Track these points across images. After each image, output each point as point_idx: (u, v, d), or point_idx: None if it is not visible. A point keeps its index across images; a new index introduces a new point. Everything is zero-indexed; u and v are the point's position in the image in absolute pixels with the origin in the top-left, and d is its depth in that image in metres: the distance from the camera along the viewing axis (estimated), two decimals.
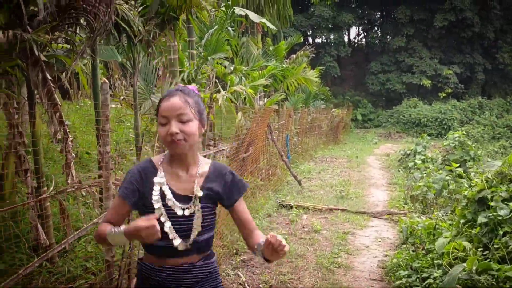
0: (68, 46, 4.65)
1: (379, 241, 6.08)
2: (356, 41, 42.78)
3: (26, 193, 4.35)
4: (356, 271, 5.04)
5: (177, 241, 1.94)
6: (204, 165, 2.06)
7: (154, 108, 8.48)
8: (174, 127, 1.87)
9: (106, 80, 3.01)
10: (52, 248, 4.47)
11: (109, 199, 3.15)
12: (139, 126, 6.67)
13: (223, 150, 6.61)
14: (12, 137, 4.44)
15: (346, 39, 39.57)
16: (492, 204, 4.17)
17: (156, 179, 1.95)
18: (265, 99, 14.77)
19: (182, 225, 1.96)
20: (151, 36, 6.31)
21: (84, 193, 4.19)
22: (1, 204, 4.58)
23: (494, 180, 4.53)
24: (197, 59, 9.82)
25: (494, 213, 4.08)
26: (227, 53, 10.74)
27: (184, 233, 1.96)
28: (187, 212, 1.96)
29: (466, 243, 4.11)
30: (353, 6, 38.40)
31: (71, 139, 3.82)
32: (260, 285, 4.59)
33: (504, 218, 4.02)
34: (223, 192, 2.05)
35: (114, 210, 2.01)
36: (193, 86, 2.05)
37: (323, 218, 7.20)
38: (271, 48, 16.64)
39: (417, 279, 4.36)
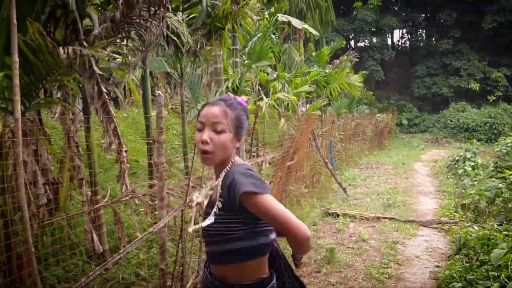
0: (117, 58, 4.82)
1: (430, 251, 5.92)
2: (399, 44, 42.01)
3: (81, 202, 4.50)
4: (407, 282, 4.93)
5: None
6: (227, 173, 1.93)
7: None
8: (206, 135, 1.86)
9: (161, 93, 3.08)
10: (105, 254, 4.62)
11: (163, 208, 3.21)
12: (186, 134, 6.79)
13: (268, 158, 6.62)
14: (68, 147, 4.62)
15: (389, 42, 38.93)
16: None
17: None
18: (308, 105, 14.72)
19: (208, 234, 1.94)
20: (198, 46, 6.43)
21: (137, 202, 4.29)
22: (57, 211, 4.77)
23: None
24: (240, 67, 9.90)
25: None
26: (271, 60, 10.77)
27: (203, 239, 2.01)
28: (208, 221, 1.88)
29: None
30: (396, 8, 37.70)
31: (125, 149, 3.92)
32: None
33: None
34: (226, 197, 1.86)
35: None
36: (242, 98, 2.04)
37: (370, 226, 7.09)
38: (313, 54, 16.58)
39: None
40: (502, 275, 3.89)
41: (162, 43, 5.04)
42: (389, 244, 6.11)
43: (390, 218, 7.48)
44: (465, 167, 11.00)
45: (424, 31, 38.45)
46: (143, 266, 4.41)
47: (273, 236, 1.96)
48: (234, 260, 1.88)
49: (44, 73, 3.28)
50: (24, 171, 3.92)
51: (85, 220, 4.38)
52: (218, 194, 1.86)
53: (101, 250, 4.48)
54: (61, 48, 3.12)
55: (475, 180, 9.10)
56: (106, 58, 4.30)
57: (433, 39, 35.45)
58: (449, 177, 12.02)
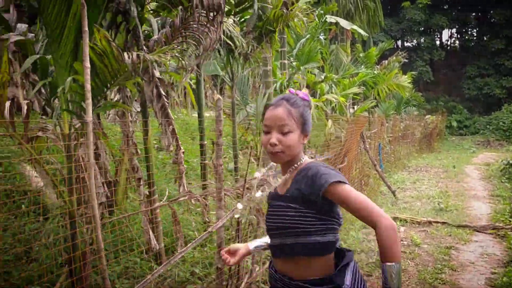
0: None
1: (485, 257, 5.75)
2: (448, 44, 40.85)
3: (137, 200, 4.66)
4: None
5: (270, 240, 2.03)
6: (300, 168, 1.97)
7: (249, 118, 8.73)
8: (274, 138, 1.90)
9: (220, 97, 3.17)
10: (161, 252, 4.77)
11: (221, 208, 3.30)
12: (236, 135, 6.89)
13: (320, 159, 6.61)
14: (126, 148, 4.79)
15: (437, 42, 37.94)
16: None
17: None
18: (355, 106, 14.58)
19: (270, 220, 1.99)
20: (249, 49, 6.51)
21: (193, 202, 4.41)
22: (114, 210, 4.97)
23: None
24: (289, 68, 9.94)
25: None
26: (319, 62, 10.76)
27: (270, 231, 2.01)
28: (271, 210, 2.00)
29: None
30: (445, 7, 36.71)
31: (182, 151, 4.04)
32: None
33: None
34: (307, 191, 1.87)
35: None
36: (304, 93, 2.04)
37: (422, 231, 6.95)
38: (361, 55, 16.40)
39: None
40: None
41: (217, 47, 5.14)
42: (442, 249, 5.98)
43: (443, 223, 7.31)
44: None
45: (474, 30, 37.20)
46: (198, 265, 4.52)
47: (338, 236, 1.96)
48: (302, 254, 1.89)
49: (109, 77, 3.43)
50: (85, 170, 4.12)
51: (142, 219, 4.54)
52: (292, 187, 1.92)
53: (157, 248, 4.62)
54: (125, 54, 3.26)
55: None
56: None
57: (484, 38, 34.27)
58: (503, 181, 11.61)
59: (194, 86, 6.36)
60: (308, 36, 10.23)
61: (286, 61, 9.88)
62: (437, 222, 7.36)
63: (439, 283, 4.92)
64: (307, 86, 10.13)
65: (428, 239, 6.51)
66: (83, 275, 3.74)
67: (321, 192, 1.82)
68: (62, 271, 4.03)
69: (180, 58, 4.27)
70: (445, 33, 40.41)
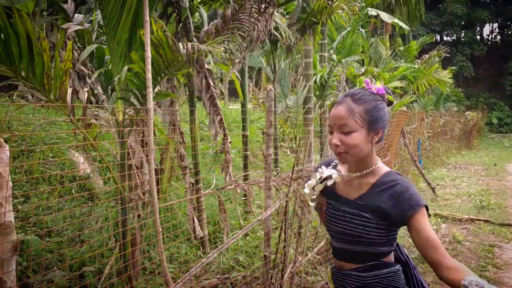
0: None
1: None
2: (489, 38, 39.63)
3: (185, 189, 4.76)
4: (507, 287, 4.73)
5: (333, 241, 1.96)
6: (376, 173, 1.86)
7: (288, 111, 8.75)
8: (336, 138, 1.78)
9: (272, 88, 3.20)
10: (204, 239, 4.87)
11: (270, 197, 3.35)
12: (277, 127, 6.93)
13: None
14: (172, 137, 4.89)
15: (482, 36, 36.89)
16: None
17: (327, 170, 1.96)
18: (395, 102, 14.36)
19: (338, 224, 1.92)
20: (293, 41, 6.51)
21: (239, 191, 4.47)
22: (159, 197, 5.09)
23: None
24: (329, 61, 9.87)
25: None
26: (361, 55, 10.65)
27: (335, 235, 1.94)
28: (337, 213, 1.91)
29: None
30: (488, 1, 35.61)
31: (229, 140, 4.11)
32: None
33: None
34: (389, 206, 1.77)
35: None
36: (378, 86, 1.85)
37: (464, 228, 6.84)
38: (401, 49, 16.12)
39: None
40: None
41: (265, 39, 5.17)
42: (485, 247, 5.88)
43: (485, 221, 7.17)
44: None
45: None
46: (241, 253, 4.60)
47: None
48: (367, 260, 1.87)
49: (163, 67, 3.51)
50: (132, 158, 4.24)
51: (188, 206, 4.64)
52: (370, 196, 1.83)
53: (201, 235, 4.73)
54: (180, 44, 3.33)
55: None
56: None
57: None
58: None
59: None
60: (349, 28, 10.11)
61: (326, 54, 9.80)
62: (479, 220, 7.23)
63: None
64: (347, 80, 10.06)
65: (470, 237, 6.40)
66: (133, 260, 3.87)
67: (408, 214, 1.71)
68: (112, 254, 4.18)
69: (229, 50, 4.33)
70: (486, 28, 39.31)
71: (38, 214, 4.63)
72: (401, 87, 14.18)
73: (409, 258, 2.02)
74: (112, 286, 3.72)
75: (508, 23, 36.54)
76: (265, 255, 3.44)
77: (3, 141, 1.62)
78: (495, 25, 38.25)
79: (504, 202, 8.86)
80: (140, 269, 3.90)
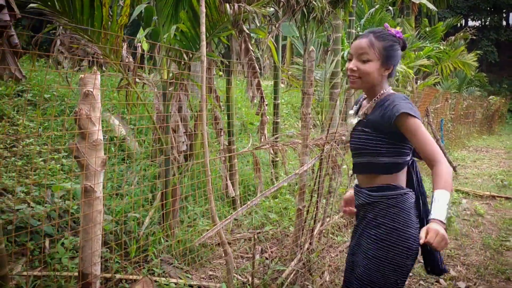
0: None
1: None
2: None
3: (219, 150, 4.97)
4: None
5: (352, 158, 2.25)
6: (381, 97, 2.12)
7: (316, 84, 8.87)
8: (353, 64, 2.08)
9: (314, 49, 3.37)
10: (236, 199, 5.10)
11: (306, 154, 3.54)
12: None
13: None
14: (206, 100, 5.08)
15: (504, 23, 36.15)
16: None
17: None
18: (418, 81, 14.35)
19: (351, 141, 2.22)
20: (324, 13, 6.61)
21: (273, 151, 4.67)
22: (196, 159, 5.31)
23: None
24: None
25: None
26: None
27: (352, 151, 2.24)
28: (348, 132, 2.25)
29: None
30: None
31: (266, 103, 4.29)
32: None
33: None
34: (379, 118, 2.04)
35: None
36: (396, 30, 2.15)
37: (485, 204, 6.97)
38: (427, 29, 15.99)
39: None
40: None
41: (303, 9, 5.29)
42: (506, 220, 6.02)
43: (506, 198, 7.29)
44: None
45: None
46: (271, 211, 4.82)
47: (408, 158, 2.14)
48: (375, 171, 2.13)
49: (208, 27, 3.69)
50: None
51: (221, 167, 4.87)
52: (370, 114, 2.10)
53: (234, 195, 4.95)
54: (227, 4, 3.50)
55: None
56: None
57: None
58: None
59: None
60: (377, 6, 10.14)
61: (353, 31, 9.87)
62: (501, 196, 7.35)
63: (504, 249, 5.01)
64: None
65: (492, 211, 6.54)
66: (173, 208, 4.12)
67: (392, 121, 1.96)
68: (151, 206, 4.44)
69: (268, 16, 4.48)
70: None
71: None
72: (425, 69, 14.18)
73: (424, 193, 2.21)
74: (153, 233, 3.97)
75: None
76: (299, 208, 3.65)
77: (96, 69, 1.82)
78: None
79: None
80: (179, 220, 4.15)
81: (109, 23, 3.22)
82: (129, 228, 3.95)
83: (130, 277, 3.27)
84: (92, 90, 1.74)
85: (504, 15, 36.42)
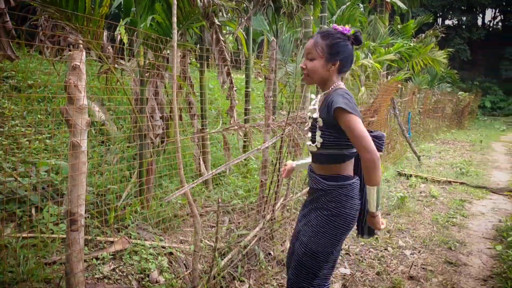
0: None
1: (496, 211, 6.33)
2: (491, 24, 39.97)
3: (192, 133, 5.40)
4: (470, 230, 5.44)
5: (308, 143, 2.52)
6: (329, 92, 2.38)
7: (287, 76, 9.34)
8: (302, 63, 2.38)
9: (275, 39, 3.81)
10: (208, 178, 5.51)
11: (268, 133, 3.98)
12: (277, 90, 7.54)
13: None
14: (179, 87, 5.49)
15: (479, 22, 37.23)
16: None
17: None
18: (389, 77, 14.95)
19: (311, 130, 2.47)
20: (294, 9, 7.07)
21: (241, 133, 5.11)
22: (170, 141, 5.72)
23: None
24: None
25: None
26: (358, 28, 11.19)
27: (312, 137, 2.45)
28: (311, 118, 2.49)
29: None
30: None
31: (235, 88, 4.72)
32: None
33: None
34: (324, 114, 2.29)
35: None
36: (344, 27, 2.36)
37: (441, 188, 7.54)
38: (398, 27, 16.61)
39: None
40: None
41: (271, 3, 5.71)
42: (457, 201, 6.59)
43: (461, 183, 7.88)
44: None
45: None
46: (240, 189, 5.27)
47: (355, 150, 2.41)
48: (326, 161, 2.42)
49: (181, 19, 4.10)
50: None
51: (194, 147, 5.29)
52: (320, 109, 2.39)
53: (206, 173, 5.39)
54: None
55: None
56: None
57: None
58: None
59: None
60: (348, 3, 10.65)
61: (326, 26, 10.35)
62: (456, 182, 7.93)
63: (450, 225, 5.56)
64: None
65: (445, 194, 7.11)
66: (147, 186, 4.53)
67: (332, 115, 2.23)
68: (129, 182, 4.83)
69: (237, 9, 4.90)
70: (489, 13, 39.68)
71: (63, 148, 5.27)
72: (397, 65, 14.79)
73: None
74: (130, 205, 4.37)
75: (509, 8, 36.85)
76: (261, 181, 4.10)
77: (82, 48, 2.23)
78: (497, 10, 38.56)
79: (482, 171, 9.57)
80: (154, 194, 4.56)
81: (92, 12, 3.60)
82: (108, 201, 4.34)
83: (109, 239, 3.68)
84: (79, 63, 2.14)
85: (480, 15, 37.52)
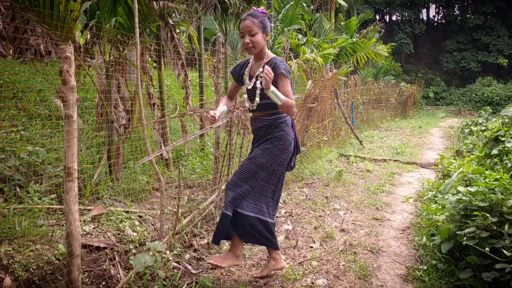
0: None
1: (421, 180, 7.35)
2: (435, 19, 42.25)
3: (153, 122, 6.08)
4: (396, 195, 6.40)
5: (248, 103, 3.41)
6: (268, 59, 3.26)
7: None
8: (247, 39, 3.16)
9: (221, 35, 4.58)
10: (169, 160, 6.22)
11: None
12: (228, 82, 8.30)
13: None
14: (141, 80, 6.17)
15: (424, 16, 39.30)
16: (503, 139, 5.37)
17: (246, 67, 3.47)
18: (335, 70, 16.00)
19: (250, 94, 3.35)
20: (240, 9, 7.86)
21: (196, 118, 5.84)
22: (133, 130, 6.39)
23: (509, 123, 5.68)
24: (274, 31, 11.29)
25: (503, 146, 5.28)
26: (301, 25, 12.11)
27: (251, 99, 3.37)
28: (249, 86, 3.33)
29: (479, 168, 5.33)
30: None
31: (189, 79, 5.46)
32: (319, 197, 6.08)
33: (510, 149, 5.21)
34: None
35: (230, 86, 3.60)
36: (261, 9, 3.28)
37: (377, 165, 8.54)
38: (342, 24, 17.72)
39: (439, 194, 5.66)
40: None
41: (217, 4, 6.48)
42: (388, 174, 7.57)
43: (395, 160, 8.91)
44: (471, 127, 12.18)
45: (457, 6, 38.65)
46: (198, 169, 6.02)
47: None
48: (270, 108, 3.25)
49: (140, 19, 4.81)
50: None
51: (155, 134, 5.98)
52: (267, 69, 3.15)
53: (167, 157, 6.09)
54: (154, 2, 4.63)
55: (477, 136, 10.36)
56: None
57: (467, 14, 35.76)
58: (460, 138, 13.22)
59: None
60: (292, 2, 11.55)
61: (272, 24, 11.21)
62: (391, 159, 8.95)
63: (380, 192, 6.50)
64: (291, 49, 11.50)
65: (380, 169, 8.10)
66: (117, 167, 5.20)
67: (275, 76, 3.12)
68: (100, 164, 5.48)
69: (189, 11, 5.64)
70: (432, 9, 41.94)
71: (37, 139, 5.84)
72: (342, 59, 15.86)
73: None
74: (102, 182, 5.03)
75: (450, 3, 39.10)
76: (215, 156, 4.86)
77: (70, 42, 2.93)
78: (439, 6, 40.81)
79: (416, 151, 10.70)
80: (122, 174, 5.24)
81: (65, 16, 4.26)
82: (83, 180, 4.99)
83: (88, 207, 4.35)
84: (70, 54, 2.84)
85: (422, 10, 39.60)
